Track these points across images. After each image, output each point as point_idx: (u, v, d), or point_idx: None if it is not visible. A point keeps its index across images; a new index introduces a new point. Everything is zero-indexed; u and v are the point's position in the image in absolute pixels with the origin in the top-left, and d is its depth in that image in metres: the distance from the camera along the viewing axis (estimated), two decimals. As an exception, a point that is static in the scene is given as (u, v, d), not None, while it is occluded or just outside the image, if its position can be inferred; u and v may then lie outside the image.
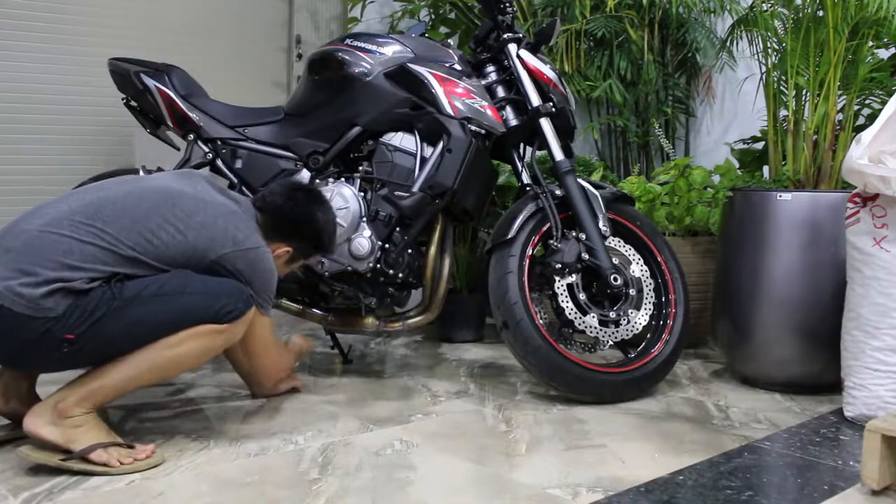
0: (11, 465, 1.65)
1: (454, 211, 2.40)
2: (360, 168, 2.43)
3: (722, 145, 3.45)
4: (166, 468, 1.66)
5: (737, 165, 3.12)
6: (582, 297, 2.24)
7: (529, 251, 2.25)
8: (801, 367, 2.31)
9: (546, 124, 2.39)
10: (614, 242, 2.34)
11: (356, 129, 2.44)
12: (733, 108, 3.49)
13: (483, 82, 2.47)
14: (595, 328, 2.22)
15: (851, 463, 1.76)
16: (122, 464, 1.62)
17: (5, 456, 1.71)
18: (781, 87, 2.61)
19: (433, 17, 3.71)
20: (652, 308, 2.32)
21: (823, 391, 2.32)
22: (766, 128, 2.71)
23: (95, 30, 3.24)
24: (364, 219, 2.33)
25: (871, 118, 2.72)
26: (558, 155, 2.36)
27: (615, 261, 2.28)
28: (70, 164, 3.14)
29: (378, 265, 2.32)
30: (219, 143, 2.51)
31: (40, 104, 3.13)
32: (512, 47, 2.45)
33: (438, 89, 2.35)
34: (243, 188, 2.48)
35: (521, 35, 2.48)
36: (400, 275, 2.34)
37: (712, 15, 3.43)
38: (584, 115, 3.58)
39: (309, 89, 2.52)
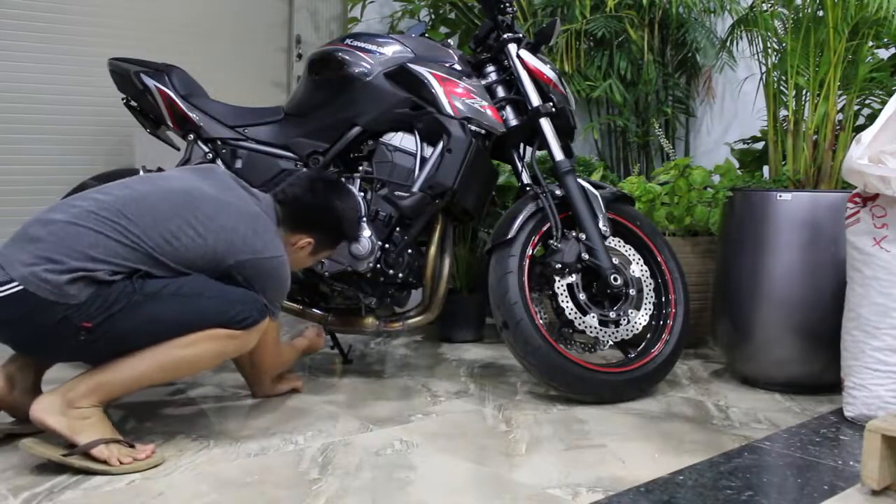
0: (12, 464, 1.66)
1: (454, 211, 2.40)
2: (360, 168, 2.43)
3: (722, 145, 3.45)
4: (166, 468, 1.66)
5: (737, 165, 3.12)
6: (582, 297, 2.24)
7: (529, 251, 2.25)
8: (801, 367, 2.31)
9: (546, 124, 2.39)
10: (614, 242, 2.34)
11: (356, 129, 2.44)
12: (733, 108, 3.49)
13: (483, 82, 2.47)
14: (595, 328, 2.22)
15: (851, 463, 1.76)
16: (122, 463, 1.62)
17: (5, 456, 1.71)
18: (781, 87, 2.61)
19: (433, 17, 3.71)
20: (652, 308, 2.32)
21: (823, 391, 2.32)
22: (766, 128, 2.71)
23: (95, 30, 3.24)
24: (364, 219, 2.33)
25: (871, 118, 2.72)
26: (558, 155, 2.36)
27: (615, 261, 2.28)
28: (70, 164, 3.14)
29: (378, 265, 2.32)
30: (219, 143, 2.51)
31: (40, 104, 3.13)
32: (512, 47, 2.45)
33: (438, 89, 2.35)
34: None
35: (521, 35, 2.48)
36: (400, 275, 2.34)
37: (712, 15, 3.43)
38: (584, 115, 3.58)
39: (309, 89, 2.52)
